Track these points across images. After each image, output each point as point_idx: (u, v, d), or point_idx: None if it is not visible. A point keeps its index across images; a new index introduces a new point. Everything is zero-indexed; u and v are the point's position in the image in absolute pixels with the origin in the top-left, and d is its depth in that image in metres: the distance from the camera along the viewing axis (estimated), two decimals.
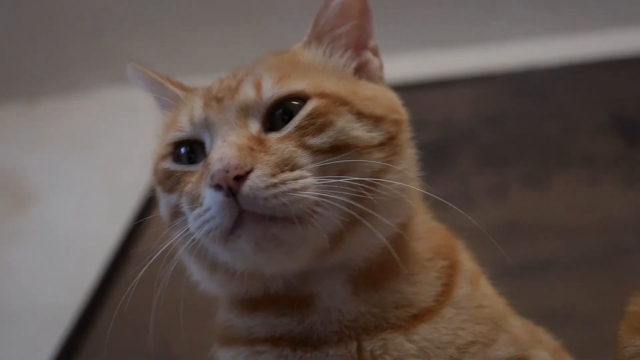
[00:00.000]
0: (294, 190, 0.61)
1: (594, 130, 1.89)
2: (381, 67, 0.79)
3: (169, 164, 0.71)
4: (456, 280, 0.75)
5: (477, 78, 2.12)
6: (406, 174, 0.70)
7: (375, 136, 0.68)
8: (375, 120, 0.69)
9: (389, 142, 0.69)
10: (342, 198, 0.63)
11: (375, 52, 0.78)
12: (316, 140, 0.65)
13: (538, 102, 2.03)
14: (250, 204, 0.61)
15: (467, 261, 0.79)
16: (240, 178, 0.60)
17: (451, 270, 0.76)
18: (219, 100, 0.69)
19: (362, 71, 0.77)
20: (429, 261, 0.75)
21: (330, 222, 0.64)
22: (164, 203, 0.72)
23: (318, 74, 0.72)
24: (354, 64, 0.76)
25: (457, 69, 2.12)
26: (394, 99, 0.76)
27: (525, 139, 1.95)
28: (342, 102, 0.68)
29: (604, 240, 1.63)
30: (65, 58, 2.25)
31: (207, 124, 0.69)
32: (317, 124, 0.66)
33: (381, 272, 0.72)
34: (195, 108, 0.71)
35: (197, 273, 0.75)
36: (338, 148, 0.65)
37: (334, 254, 0.68)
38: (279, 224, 0.62)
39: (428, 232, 0.78)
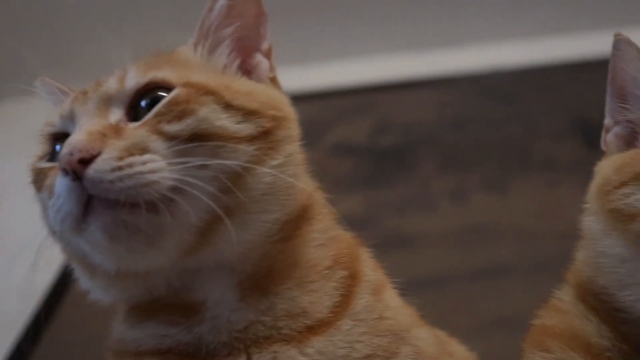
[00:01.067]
0: (141, 173, 0.60)
1: (555, 134, 1.87)
2: (272, 68, 0.79)
3: (42, 164, 0.71)
4: (356, 291, 0.73)
5: (441, 81, 2.10)
6: (283, 170, 0.68)
7: (244, 128, 0.66)
8: (247, 113, 0.67)
9: (263, 137, 0.68)
10: (205, 188, 0.62)
11: (267, 55, 0.78)
12: (173, 127, 0.64)
13: (501, 106, 2.01)
14: (95, 187, 0.60)
15: (370, 271, 0.76)
16: (87, 162, 0.60)
17: (351, 281, 0.73)
18: (84, 93, 0.70)
19: (250, 72, 0.77)
20: (328, 270, 0.73)
21: (193, 213, 0.62)
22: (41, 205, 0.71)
23: (191, 68, 0.71)
24: (236, 63, 0.76)
25: (422, 71, 2.10)
26: (277, 97, 0.75)
27: (487, 142, 1.94)
28: (207, 92, 0.67)
29: (562, 245, 1.62)
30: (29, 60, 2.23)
31: (71, 116, 0.69)
32: (176, 111, 0.65)
33: (270, 276, 0.70)
34: (66, 103, 0.71)
35: (81, 279, 0.73)
36: (199, 137, 0.64)
37: (205, 251, 0.66)
38: (127, 209, 0.60)
39: (330, 239, 0.75)
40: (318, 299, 0.71)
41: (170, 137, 0.63)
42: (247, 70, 0.77)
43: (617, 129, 0.78)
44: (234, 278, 0.69)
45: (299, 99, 2.45)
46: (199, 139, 0.64)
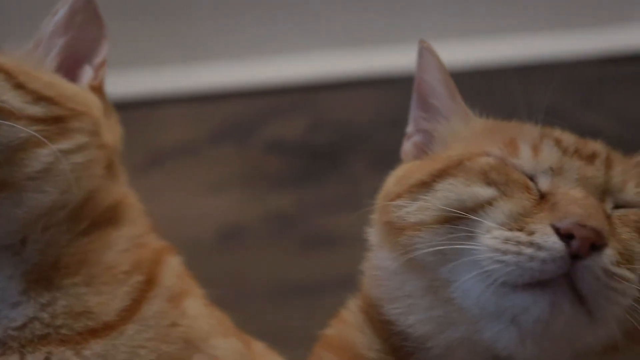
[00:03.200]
0: None
1: None
2: (98, 78, 0.82)
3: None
4: (149, 297, 0.73)
5: (379, 80, 2.09)
6: (70, 157, 0.70)
7: (29, 108, 0.69)
8: (39, 98, 0.70)
9: (53, 122, 0.70)
10: None
11: (98, 69, 0.82)
12: None
13: None
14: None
15: (171, 278, 0.76)
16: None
17: (146, 286, 0.73)
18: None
19: (75, 80, 0.80)
20: (124, 274, 0.73)
21: None
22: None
23: (7, 56, 0.75)
24: (61, 70, 0.79)
25: (360, 70, 2.09)
26: (87, 98, 0.78)
27: None
28: (1, 70, 0.70)
29: None
30: None
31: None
32: None
33: (56, 268, 0.70)
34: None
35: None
36: None
37: None
38: None
39: (136, 245, 0.76)
40: (107, 301, 0.71)
41: None
42: (72, 77, 0.81)
43: (416, 138, 0.77)
44: (19, 267, 0.69)
45: (234, 95, 2.45)
46: None
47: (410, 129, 0.79)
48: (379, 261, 0.71)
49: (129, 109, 2.30)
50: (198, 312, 0.77)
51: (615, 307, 0.61)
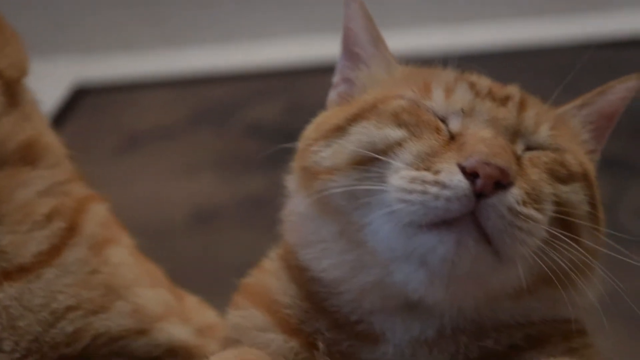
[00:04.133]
0: None
1: None
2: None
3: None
4: (70, 244, 0.73)
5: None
6: None
7: None
8: None
9: None
10: None
11: None
12: None
13: None
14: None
15: (95, 227, 0.76)
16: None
17: (67, 233, 0.74)
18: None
19: None
20: (44, 218, 0.73)
21: None
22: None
23: None
24: None
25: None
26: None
27: None
28: None
29: None
30: None
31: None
32: None
33: None
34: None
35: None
36: None
37: None
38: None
39: (58, 192, 0.76)
40: (22, 242, 0.71)
41: None
42: None
43: (341, 87, 0.77)
44: None
45: (212, 79, 2.46)
46: None
47: (336, 79, 0.78)
48: (295, 207, 0.71)
49: (108, 93, 2.32)
50: (122, 260, 0.77)
51: (522, 247, 0.60)
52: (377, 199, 0.62)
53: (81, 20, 2.19)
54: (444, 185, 0.59)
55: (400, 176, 0.61)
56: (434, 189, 0.59)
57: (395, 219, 0.61)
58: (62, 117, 2.10)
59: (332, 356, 0.65)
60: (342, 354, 0.65)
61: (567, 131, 0.70)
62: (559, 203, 0.63)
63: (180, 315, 0.79)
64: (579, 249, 0.63)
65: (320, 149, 0.67)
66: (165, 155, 1.99)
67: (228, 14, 2.12)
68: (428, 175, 0.60)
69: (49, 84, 2.15)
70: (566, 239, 0.62)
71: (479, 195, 0.58)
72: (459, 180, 0.59)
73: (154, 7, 2.21)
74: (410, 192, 0.60)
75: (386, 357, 0.65)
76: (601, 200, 0.69)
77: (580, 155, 0.68)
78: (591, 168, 0.69)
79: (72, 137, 2.10)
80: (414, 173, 0.61)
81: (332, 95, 0.78)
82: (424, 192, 0.59)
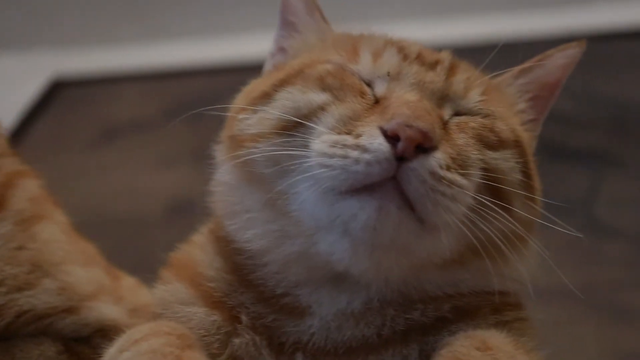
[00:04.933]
0: None
1: None
2: None
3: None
4: None
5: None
6: None
7: None
8: None
9: None
10: None
11: None
12: None
13: None
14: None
15: (24, 202, 0.74)
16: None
17: None
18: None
19: None
20: None
21: None
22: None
23: None
24: None
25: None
26: None
27: None
28: None
29: None
30: None
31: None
32: None
33: None
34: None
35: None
36: None
37: None
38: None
39: None
40: None
41: None
42: None
43: (277, 57, 0.75)
44: None
45: (187, 73, 2.44)
46: None
47: (271, 48, 0.76)
48: (221, 177, 0.69)
49: (85, 86, 2.30)
50: (52, 237, 0.75)
51: (447, 214, 0.57)
52: (300, 166, 0.60)
53: (59, 14, 2.18)
54: (364, 149, 0.57)
55: (321, 140, 0.59)
56: (354, 153, 0.57)
57: (318, 185, 0.59)
58: (40, 110, 2.09)
59: (255, 330, 0.63)
60: (267, 327, 0.63)
61: (501, 99, 0.68)
62: (488, 170, 0.61)
63: (113, 295, 0.77)
64: (510, 219, 0.60)
65: (247, 116, 0.65)
66: (142, 147, 1.98)
67: (205, 8, 2.11)
68: (349, 139, 0.58)
69: (27, 76, 2.15)
70: (496, 208, 0.60)
71: (401, 159, 0.56)
72: (379, 143, 0.57)
73: (131, 0, 2.19)
74: (331, 156, 0.58)
75: (311, 330, 0.63)
76: (536, 169, 0.67)
77: (513, 122, 0.66)
78: (525, 136, 0.67)
79: (49, 129, 2.11)
80: (335, 137, 0.59)
81: (268, 65, 0.76)
82: (345, 157, 0.57)
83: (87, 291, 0.74)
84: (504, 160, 0.63)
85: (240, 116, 0.66)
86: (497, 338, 0.58)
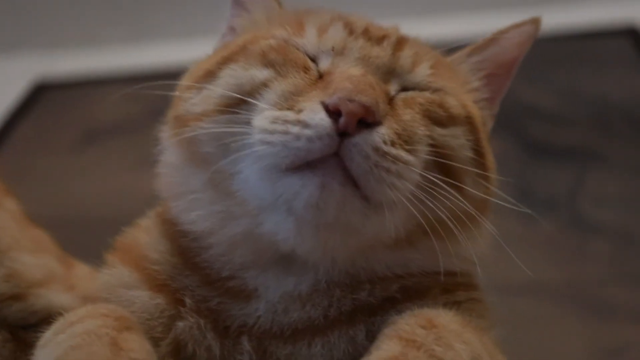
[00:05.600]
0: None
1: None
2: None
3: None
4: None
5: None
6: None
7: None
8: None
9: None
10: None
11: None
12: None
13: None
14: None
15: None
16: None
17: None
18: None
19: None
20: None
21: None
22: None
23: None
24: None
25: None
26: None
27: None
28: None
29: None
30: None
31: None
32: None
33: None
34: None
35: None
36: None
37: None
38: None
39: None
40: None
41: None
42: None
43: (227, 37, 0.73)
44: None
45: (172, 75, 2.43)
46: None
47: (224, 29, 0.75)
48: (167, 157, 0.67)
49: (68, 88, 2.29)
50: (1, 224, 0.73)
51: (392, 191, 0.55)
52: (243, 143, 0.58)
53: (41, 17, 2.17)
54: (305, 125, 0.55)
55: (263, 117, 0.58)
56: (295, 129, 0.55)
57: (259, 162, 0.57)
58: (23, 112, 2.08)
59: (200, 313, 0.61)
60: (212, 311, 0.61)
61: (452, 75, 0.66)
62: (436, 146, 0.59)
63: (64, 283, 0.75)
64: (460, 197, 0.59)
65: (192, 95, 0.64)
66: (124, 149, 1.97)
67: (187, 10, 2.10)
68: (290, 115, 0.56)
69: (9, 79, 2.14)
70: (445, 186, 0.58)
71: (343, 134, 0.55)
72: (320, 118, 0.55)
73: (113, 3, 2.19)
74: (272, 132, 0.56)
75: (257, 313, 0.61)
76: (490, 147, 0.65)
77: (464, 99, 0.64)
78: (478, 113, 0.65)
79: (33, 132, 2.09)
80: (277, 113, 0.57)
81: (217, 44, 0.75)
82: (286, 132, 0.56)
83: (35, 278, 0.72)
84: (454, 137, 0.61)
85: (186, 95, 0.64)
86: (443, 317, 0.56)
